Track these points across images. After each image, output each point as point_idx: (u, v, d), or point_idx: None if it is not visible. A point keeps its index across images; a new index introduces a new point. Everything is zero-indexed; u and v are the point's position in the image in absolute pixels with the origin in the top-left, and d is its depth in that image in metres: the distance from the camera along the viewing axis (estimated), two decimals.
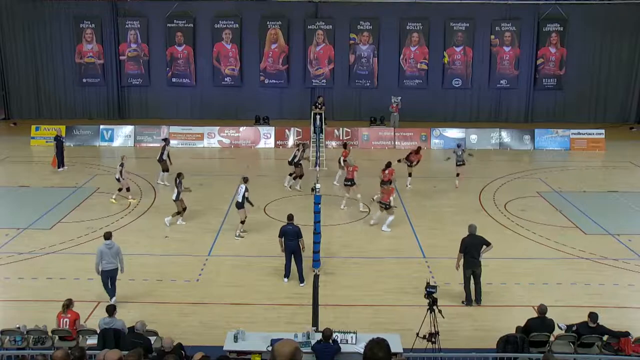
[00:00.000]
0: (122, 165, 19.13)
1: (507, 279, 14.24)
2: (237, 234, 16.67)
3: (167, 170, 20.91)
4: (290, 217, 14.13)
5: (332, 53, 30.80)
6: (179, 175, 17.31)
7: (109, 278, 12.79)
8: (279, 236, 13.92)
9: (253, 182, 21.16)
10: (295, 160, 20.46)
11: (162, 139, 22.19)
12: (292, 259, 13.90)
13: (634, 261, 15.28)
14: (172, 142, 26.86)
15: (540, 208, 19.36)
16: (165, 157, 20.85)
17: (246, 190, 16.46)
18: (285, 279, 13.95)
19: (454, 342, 11.40)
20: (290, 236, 13.82)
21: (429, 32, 30.66)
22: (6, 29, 30.78)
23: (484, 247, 12.97)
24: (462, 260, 12.94)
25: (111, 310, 10.87)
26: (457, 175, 20.97)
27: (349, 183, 18.86)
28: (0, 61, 31.10)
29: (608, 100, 31.60)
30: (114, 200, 19.24)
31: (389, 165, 18.79)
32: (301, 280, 13.84)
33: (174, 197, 17.28)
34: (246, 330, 10.61)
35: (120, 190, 19.26)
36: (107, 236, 12.96)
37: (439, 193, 20.29)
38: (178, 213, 17.40)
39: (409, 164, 21.15)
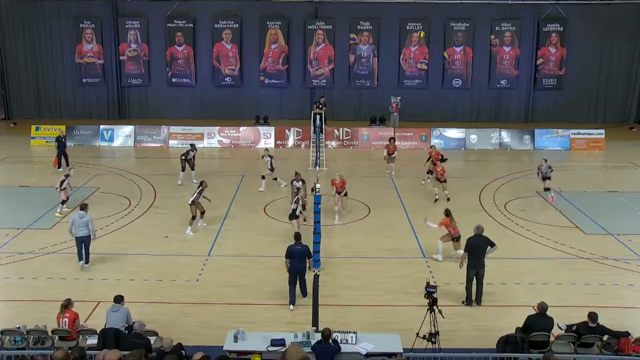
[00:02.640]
0: (67, 176, 18.18)
1: (507, 279, 14.24)
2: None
3: (184, 170, 21.10)
4: (297, 237, 13.30)
5: (332, 53, 30.80)
6: (202, 183, 17.35)
7: (81, 243, 14.56)
8: (285, 257, 12.95)
9: (252, 183, 21.28)
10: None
11: (190, 144, 22.18)
12: (297, 282, 13.00)
13: (634, 261, 15.27)
14: (172, 142, 27.01)
15: (540, 208, 19.36)
16: (187, 157, 21.04)
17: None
18: (291, 306, 12.86)
19: (454, 342, 11.39)
20: (298, 257, 12.88)
21: (429, 32, 30.66)
22: (6, 29, 30.79)
23: (489, 247, 12.96)
24: (466, 259, 12.93)
25: (119, 299, 10.99)
26: (547, 189, 19.48)
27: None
28: (0, 61, 31.11)
29: (608, 100, 31.61)
30: (59, 214, 18.01)
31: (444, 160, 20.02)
32: (304, 294, 13.11)
33: (189, 201, 17.10)
34: (246, 330, 10.60)
35: (63, 202, 18.18)
36: (82, 207, 14.98)
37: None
38: (193, 218, 17.09)
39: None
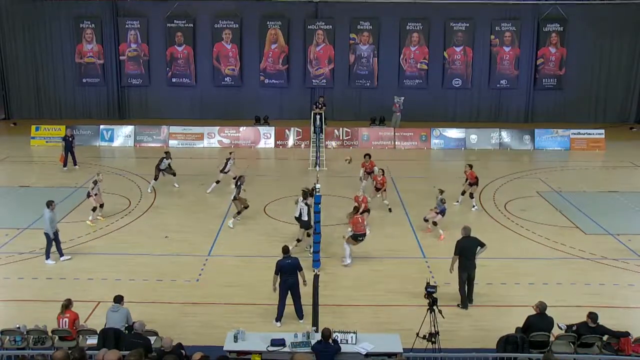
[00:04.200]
0: (95, 183, 17.69)
1: (507, 279, 14.24)
2: (308, 248, 15.42)
3: (156, 179, 20.43)
4: (285, 250, 12.48)
5: (332, 53, 30.81)
6: (240, 178, 17.62)
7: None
8: (275, 273, 12.12)
9: (252, 183, 21.26)
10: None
11: (165, 152, 21.38)
12: (288, 297, 12.29)
13: (634, 261, 15.28)
14: (172, 142, 27.04)
15: (540, 208, 19.36)
16: (162, 167, 20.40)
17: (309, 207, 15.10)
18: (278, 323, 12.23)
19: (454, 342, 11.40)
20: (288, 272, 12.07)
21: (429, 32, 30.67)
22: (6, 29, 30.79)
23: (479, 248, 12.91)
24: (456, 263, 12.86)
25: (119, 299, 11.00)
26: (435, 224, 16.82)
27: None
28: (0, 61, 31.11)
29: (608, 100, 31.62)
30: (90, 223, 17.51)
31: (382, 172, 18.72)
32: (300, 316, 12.33)
33: (231, 197, 17.57)
34: (246, 330, 10.60)
35: (94, 209, 17.71)
36: (47, 204, 14.98)
37: None
38: (238, 212, 17.41)
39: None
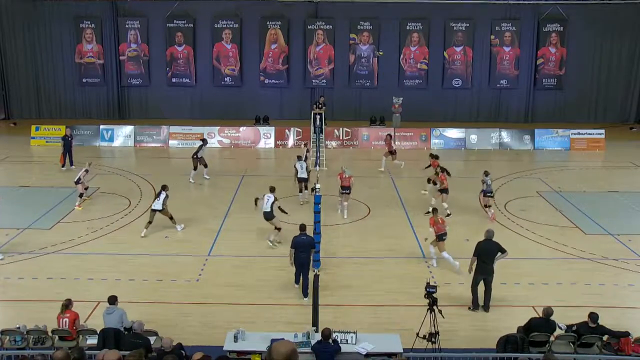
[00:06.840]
0: (87, 171, 19.11)
1: (507, 279, 14.22)
2: (271, 240, 15.94)
3: (206, 166, 21.50)
4: (302, 228, 13.40)
5: (332, 53, 30.81)
6: (164, 187, 16.88)
7: None
8: (291, 247, 13.21)
9: (252, 182, 21.31)
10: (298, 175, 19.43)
11: (201, 139, 22.86)
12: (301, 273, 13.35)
13: (634, 261, 15.28)
14: (172, 142, 27.03)
15: (540, 208, 19.36)
16: (200, 155, 21.38)
17: (275, 199, 15.95)
18: (296, 285, 13.47)
19: (454, 342, 11.40)
20: (303, 248, 13.11)
21: (429, 32, 30.67)
22: (6, 29, 30.79)
23: (499, 253, 12.74)
24: (475, 264, 12.70)
25: (112, 299, 10.97)
26: (488, 206, 18.25)
27: (347, 191, 18.05)
28: (0, 61, 31.12)
29: (608, 100, 31.62)
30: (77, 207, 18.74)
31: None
32: (305, 294, 13.18)
33: (159, 208, 16.63)
34: (246, 330, 10.60)
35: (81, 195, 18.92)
36: None
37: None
38: (171, 218, 16.94)
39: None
